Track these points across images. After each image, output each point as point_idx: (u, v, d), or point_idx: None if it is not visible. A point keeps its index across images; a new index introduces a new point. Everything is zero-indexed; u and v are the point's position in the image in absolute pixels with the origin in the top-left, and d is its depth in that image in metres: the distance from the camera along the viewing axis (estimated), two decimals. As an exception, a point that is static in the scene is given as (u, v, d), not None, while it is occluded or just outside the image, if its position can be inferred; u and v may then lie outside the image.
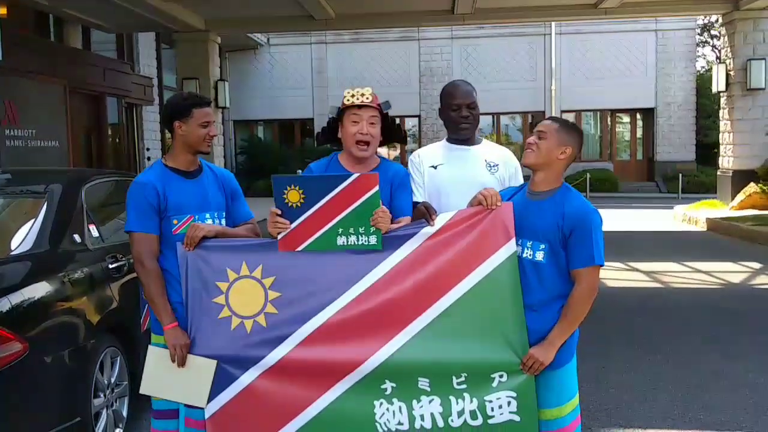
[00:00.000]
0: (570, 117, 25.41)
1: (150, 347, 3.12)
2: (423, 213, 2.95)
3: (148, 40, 19.32)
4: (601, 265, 2.80)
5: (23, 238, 3.90)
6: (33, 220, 4.01)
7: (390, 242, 2.88)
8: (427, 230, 2.89)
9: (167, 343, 2.99)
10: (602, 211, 2.93)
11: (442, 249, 2.87)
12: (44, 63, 13.50)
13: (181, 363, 2.95)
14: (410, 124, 26.00)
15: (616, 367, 5.51)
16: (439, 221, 2.90)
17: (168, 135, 3.18)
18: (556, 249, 2.79)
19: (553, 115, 3.63)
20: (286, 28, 19.79)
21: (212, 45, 16.80)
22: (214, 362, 2.92)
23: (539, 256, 2.82)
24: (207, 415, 2.92)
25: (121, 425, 4.13)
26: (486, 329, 2.83)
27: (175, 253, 3.06)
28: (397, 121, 3.28)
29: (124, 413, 4.17)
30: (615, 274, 9.54)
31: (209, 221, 3.21)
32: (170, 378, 2.98)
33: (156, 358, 3.04)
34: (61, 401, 3.60)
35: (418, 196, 3.32)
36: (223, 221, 3.30)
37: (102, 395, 3.93)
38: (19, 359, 3.24)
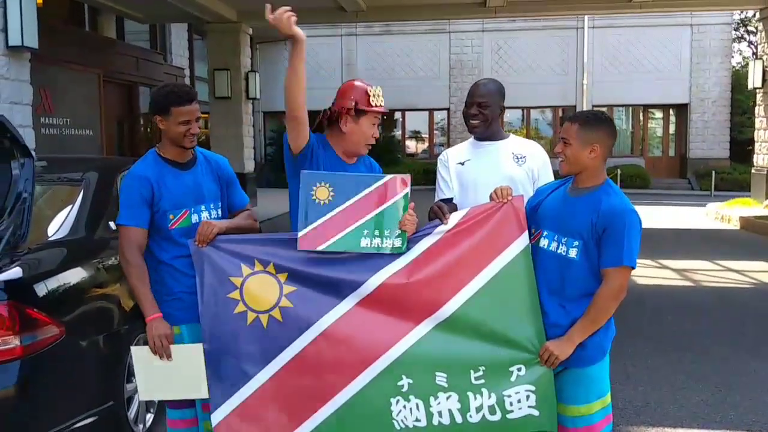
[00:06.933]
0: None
1: (132, 348, 3.05)
2: (437, 213, 2.95)
3: (181, 31, 19.48)
4: (632, 267, 2.70)
5: (60, 225, 3.97)
6: (70, 207, 4.08)
7: None
8: (442, 228, 2.90)
9: (147, 336, 2.92)
10: (632, 208, 2.87)
11: (457, 245, 2.87)
12: (79, 52, 13.67)
13: (167, 355, 2.87)
14: (439, 117, 25.88)
15: (645, 365, 5.47)
16: (453, 219, 2.91)
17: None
18: (590, 247, 2.73)
19: (582, 110, 3.53)
20: (316, 20, 19.76)
21: (243, 36, 16.86)
22: (200, 346, 2.84)
23: (572, 253, 2.76)
24: (217, 420, 2.84)
25: (152, 410, 4.20)
26: (503, 322, 2.82)
27: (174, 244, 3.06)
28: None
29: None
30: (645, 272, 9.42)
31: (204, 213, 3.16)
32: (163, 375, 2.88)
33: (143, 359, 2.94)
34: (96, 385, 3.68)
35: (447, 193, 3.35)
36: (219, 211, 3.24)
37: (134, 380, 3.99)
38: (56, 343, 3.31)
